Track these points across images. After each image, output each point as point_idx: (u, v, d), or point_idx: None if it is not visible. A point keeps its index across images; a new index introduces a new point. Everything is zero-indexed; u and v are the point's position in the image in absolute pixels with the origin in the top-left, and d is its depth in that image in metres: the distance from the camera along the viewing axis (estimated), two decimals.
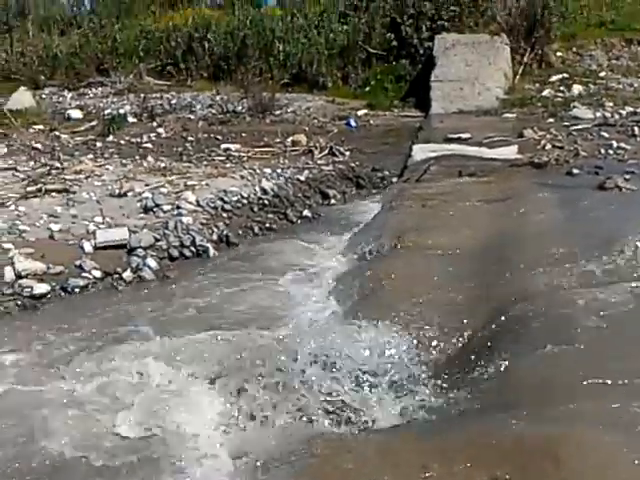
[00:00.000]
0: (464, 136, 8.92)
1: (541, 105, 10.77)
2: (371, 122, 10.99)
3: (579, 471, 2.67)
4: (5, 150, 8.72)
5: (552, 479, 2.64)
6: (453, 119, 10.21)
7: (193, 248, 5.98)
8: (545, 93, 11.40)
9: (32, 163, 8.05)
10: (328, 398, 3.54)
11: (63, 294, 5.18)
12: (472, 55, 11.73)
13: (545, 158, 7.55)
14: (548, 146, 8.13)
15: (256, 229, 6.65)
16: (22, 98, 11.32)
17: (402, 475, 2.79)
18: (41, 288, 5.10)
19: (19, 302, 5.01)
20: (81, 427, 3.51)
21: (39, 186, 6.99)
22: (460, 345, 3.95)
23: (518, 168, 7.47)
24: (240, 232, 6.49)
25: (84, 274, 5.35)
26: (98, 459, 3.31)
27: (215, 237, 6.26)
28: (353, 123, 10.70)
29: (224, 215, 6.68)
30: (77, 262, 5.44)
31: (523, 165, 7.54)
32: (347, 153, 8.96)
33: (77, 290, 5.21)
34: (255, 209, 7.00)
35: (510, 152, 8.20)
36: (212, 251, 6.04)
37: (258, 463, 3.21)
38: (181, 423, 3.50)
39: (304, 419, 3.41)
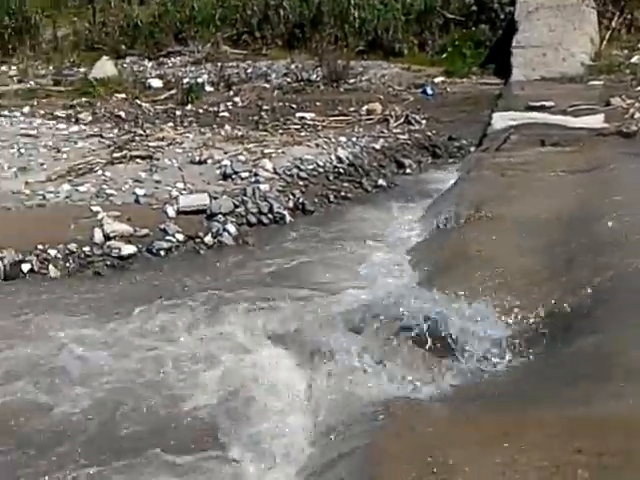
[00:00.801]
0: (547, 104, 8.60)
1: (630, 72, 10.22)
2: (448, 90, 10.73)
3: None
4: (90, 118, 9.05)
5: (637, 456, 2.58)
6: (535, 86, 9.84)
7: (270, 215, 6.09)
8: (634, 60, 10.80)
9: (116, 130, 8.34)
10: (405, 361, 3.57)
11: (149, 256, 5.40)
12: (556, 19, 11.21)
13: (634, 127, 7.19)
14: (637, 115, 7.75)
15: (331, 197, 6.69)
16: (105, 67, 11.67)
17: (482, 441, 2.80)
18: (128, 249, 5.34)
19: (108, 262, 5.27)
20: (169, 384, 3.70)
21: (124, 152, 7.25)
22: (543, 316, 3.87)
23: (605, 138, 7.16)
24: (315, 200, 6.54)
25: (168, 237, 5.55)
26: (190, 408, 3.49)
27: (291, 204, 6.35)
28: (429, 91, 10.48)
29: (300, 183, 6.75)
30: (161, 226, 5.65)
31: (610, 134, 7.22)
32: (423, 122, 8.82)
33: (162, 252, 5.43)
34: (330, 177, 7.03)
35: (596, 121, 7.86)
36: (288, 218, 6.14)
37: (336, 421, 3.29)
38: (263, 383, 3.62)
39: (383, 382, 3.45)
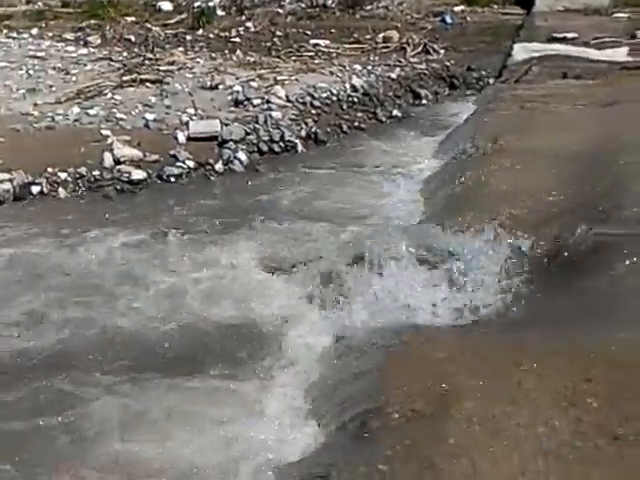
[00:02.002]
0: (570, 36, 8.31)
1: None
2: (468, 19, 10.38)
3: None
4: (99, 40, 8.82)
5: None
6: (558, 18, 9.49)
7: (282, 143, 5.98)
8: None
9: (126, 54, 8.14)
10: (418, 290, 3.56)
11: (159, 181, 5.34)
12: None
13: None
14: None
15: (344, 127, 6.54)
16: None
17: (492, 369, 2.80)
18: (139, 174, 5.28)
19: (118, 187, 5.21)
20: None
21: (134, 76, 7.09)
22: (558, 250, 3.82)
23: (628, 71, 6.92)
24: (328, 130, 6.40)
25: (178, 163, 5.47)
26: (193, 336, 3.51)
27: (304, 133, 6.22)
28: (449, 20, 10.13)
29: (313, 112, 6.59)
30: (172, 152, 5.56)
31: (634, 69, 6.97)
32: (441, 51, 8.55)
33: (172, 178, 5.36)
34: (344, 107, 6.86)
35: (620, 54, 7.60)
36: (300, 147, 6.02)
37: (350, 346, 3.31)
38: (273, 308, 3.62)
39: (394, 310, 3.45)
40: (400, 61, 8.13)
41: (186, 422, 2.92)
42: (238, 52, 8.37)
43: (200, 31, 9.51)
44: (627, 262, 3.47)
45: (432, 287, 3.57)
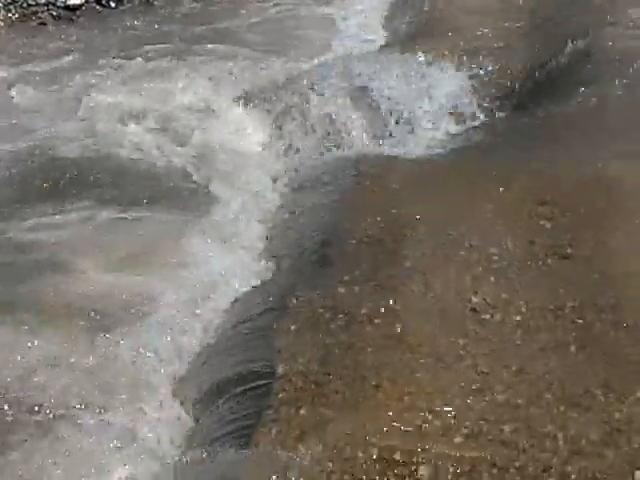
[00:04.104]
0: None
1: None
2: None
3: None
4: None
5: (600, 204, 2.64)
6: None
7: None
8: None
9: None
10: (373, 124, 3.48)
11: (98, 7, 4.92)
12: None
13: None
14: None
15: None
16: None
17: (452, 202, 2.81)
18: None
19: (54, 13, 4.80)
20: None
21: None
22: (519, 82, 3.72)
23: None
24: None
25: None
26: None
27: None
28: None
29: None
30: None
31: None
32: None
33: (112, 3, 4.94)
34: None
35: None
36: None
37: (301, 183, 3.27)
38: (222, 143, 3.51)
39: (347, 143, 3.38)
40: None
41: (147, 248, 2.91)
42: None
43: None
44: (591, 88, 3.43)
45: (390, 114, 3.48)
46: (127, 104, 3.66)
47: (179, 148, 3.52)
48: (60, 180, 3.25)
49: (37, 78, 3.95)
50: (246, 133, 3.63)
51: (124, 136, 3.47)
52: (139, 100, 3.70)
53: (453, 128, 3.41)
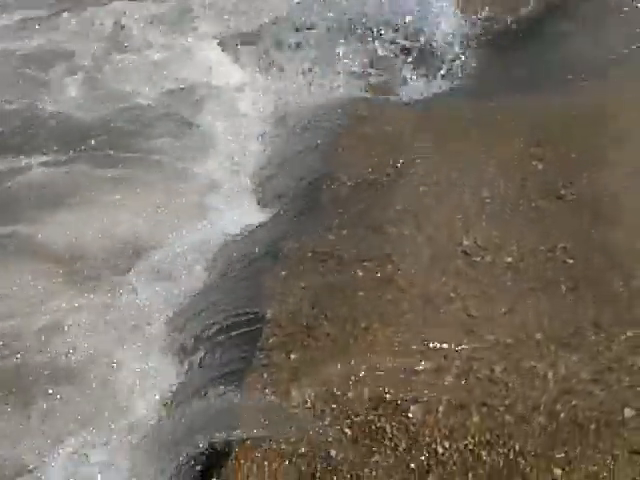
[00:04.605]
0: None
1: None
2: None
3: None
4: None
5: (594, 144, 2.60)
6: None
7: None
8: None
9: None
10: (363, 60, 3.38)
11: None
12: None
13: None
14: None
15: None
16: None
17: (443, 145, 2.76)
18: None
19: None
20: None
21: None
22: (508, 15, 3.62)
23: None
24: None
25: None
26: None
27: None
28: None
29: None
30: None
31: None
32: None
33: None
34: None
35: None
36: None
37: (289, 127, 3.20)
38: (215, 75, 3.42)
39: (346, 83, 3.30)
40: None
41: (134, 188, 2.86)
42: None
43: None
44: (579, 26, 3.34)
45: (384, 58, 3.38)
46: None
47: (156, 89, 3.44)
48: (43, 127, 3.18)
49: None
50: (227, 73, 3.54)
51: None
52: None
53: (444, 72, 3.33)
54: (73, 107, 3.33)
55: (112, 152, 3.03)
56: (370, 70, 3.33)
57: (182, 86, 3.47)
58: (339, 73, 3.33)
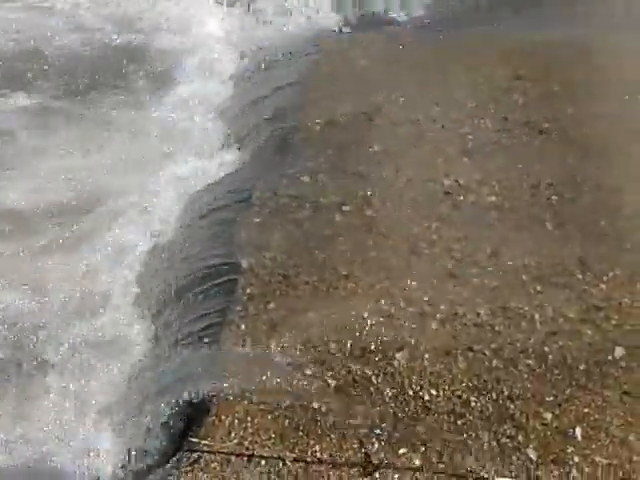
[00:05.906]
0: None
1: None
2: None
3: None
4: None
5: (576, 75, 2.50)
6: None
7: None
8: None
9: None
10: None
11: None
12: None
13: None
14: None
15: None
16: None
17: (421, 81, 2.63)
18: None
19: None
20: None
21: None
22: None
23: None
24: None
25: None
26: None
27: None
28: None
29: None
30: None
31: None
32: None
33: None
34: None
35: None
36: None
37: (259, 63, 3.04)
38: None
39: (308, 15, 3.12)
40: None
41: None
42: None
43: None
44: None
45: None
46: None
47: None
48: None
49: None
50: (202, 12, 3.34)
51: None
52: None
53: (420, 4, 3.16)
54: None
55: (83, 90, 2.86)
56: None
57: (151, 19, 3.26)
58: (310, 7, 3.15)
